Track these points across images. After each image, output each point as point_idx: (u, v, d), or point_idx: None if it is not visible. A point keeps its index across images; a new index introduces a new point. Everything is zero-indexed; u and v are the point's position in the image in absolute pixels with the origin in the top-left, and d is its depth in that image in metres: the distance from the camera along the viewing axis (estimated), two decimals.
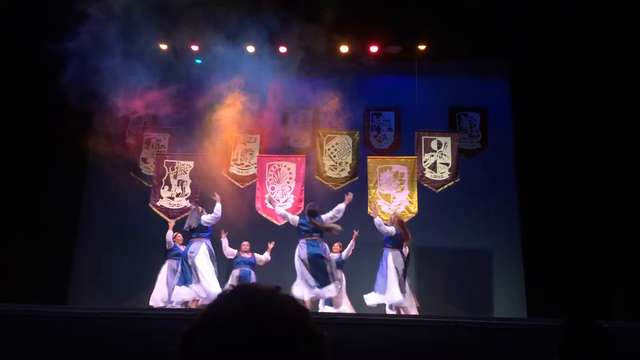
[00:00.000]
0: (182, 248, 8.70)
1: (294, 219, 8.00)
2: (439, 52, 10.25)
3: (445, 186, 9.50)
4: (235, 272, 8.78)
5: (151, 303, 8.55)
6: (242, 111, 9.41)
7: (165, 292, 8.54)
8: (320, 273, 7.56)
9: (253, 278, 8.70)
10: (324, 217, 7.81)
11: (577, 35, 9.09)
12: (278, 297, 0.93)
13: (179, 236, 8.89)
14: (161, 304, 8.42)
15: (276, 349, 0.85)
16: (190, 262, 7.93)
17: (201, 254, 7.95)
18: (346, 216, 9.20)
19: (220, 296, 0.94)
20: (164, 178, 9.59)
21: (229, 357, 0.85)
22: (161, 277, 8.73)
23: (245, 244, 8.93)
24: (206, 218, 8.18)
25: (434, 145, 9.70)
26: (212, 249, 8.15)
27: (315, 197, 9.14)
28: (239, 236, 8.92)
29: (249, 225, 8.97)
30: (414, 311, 8.03)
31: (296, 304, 0.94)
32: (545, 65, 9.68)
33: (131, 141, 10.13)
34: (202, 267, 7.88)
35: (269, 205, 9.16)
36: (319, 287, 7.53)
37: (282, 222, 9.14)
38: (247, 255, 8.90)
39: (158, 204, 9.45)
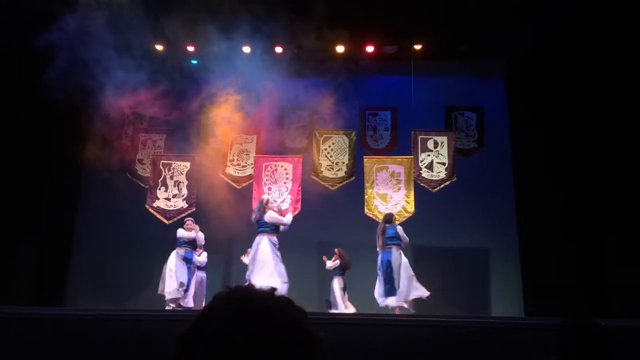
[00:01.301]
0: (192, 235, 8.62)
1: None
2: (435, 52, 10.26)
3: (442, 185, 9.50)
4: (180, 252, 8.54)
5: (168, 297, 8.32)
6: (238, 112, 9.41)
7: (175, 281, 8.34)
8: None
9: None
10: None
11: (574, 34, 9.10)
12: (274, 298, 0.92)
13: (189, 222, 8.73)
14: (177, 295, 8.29)
15: (272, 350, 0.85)
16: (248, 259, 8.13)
17: (259, 250, 8.05)
18: (343, 217, 9.21)
19: (216, 297, 0.94)
20: (160, 179, 9.57)
21: (226, 358, 0.85)
22: (169, 267, 8.44)
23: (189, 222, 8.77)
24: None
25: (430, 144, 9.71)
26: (275, 243, 8.17)
27: (312, 197, 9.15)
28: (237, 237, 8.91)
29: (248, 225, 8.94)
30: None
31: (292, 305, 0.93)
32: (542, 64, 9.70)
33: (127, 142, 10.11)
34: (258, 262, 7.98)
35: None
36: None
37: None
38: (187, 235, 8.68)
39: (155, 205, 9.43)
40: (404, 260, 8.25)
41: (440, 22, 9.35)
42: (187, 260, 8.50)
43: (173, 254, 8.54)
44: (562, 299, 8.56)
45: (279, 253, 8.16)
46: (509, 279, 9.73)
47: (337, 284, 8.60)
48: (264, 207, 8.42)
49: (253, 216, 8.44)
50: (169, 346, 0.91)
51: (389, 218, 8.55)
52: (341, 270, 8.72)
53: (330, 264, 8.75)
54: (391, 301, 8.05)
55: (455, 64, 10.60)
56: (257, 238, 8.25)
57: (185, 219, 8.85)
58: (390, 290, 8.09)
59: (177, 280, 8.31)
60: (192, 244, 8.63)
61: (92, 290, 10.05)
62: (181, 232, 8.61)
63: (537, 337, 5.01)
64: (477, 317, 7.91)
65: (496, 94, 10.52)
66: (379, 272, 8.27)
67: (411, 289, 8.13)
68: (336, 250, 8.86)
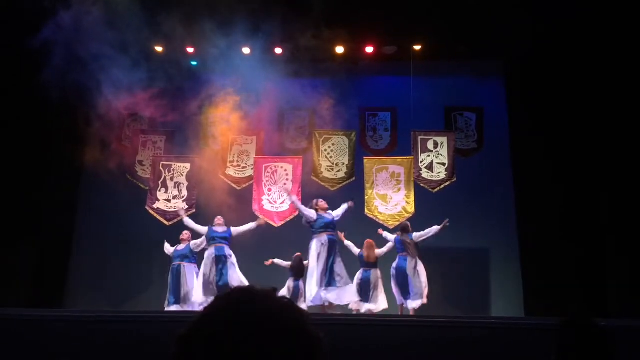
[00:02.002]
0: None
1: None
2: (434, 52, 10.26)
3: (442, 186, 9.50)
4: (209, 251, 8.37)
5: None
6: (238, 113, 9.41)
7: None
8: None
9: (228, 252, 8.39)
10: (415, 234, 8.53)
11: (573, 34, 9.11)
12: (274, 299, 0.93)
13: (186, 234, 8.76)
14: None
15: (272, 351, 0.85)
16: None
17: (311, 252, 8.01)
18: (343, 218, 9.19)
19: (216, 298, 0.94)
20: (161, 180, 9.57)
21: (226, 359, 0.85)
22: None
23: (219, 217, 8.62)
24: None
25: (430, 145, 9.71)
26: (324, 243, 7.99)
27: (312, 198, 9.14)
28: (236, 238, 8.88)
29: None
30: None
31: (293, 305, 0.93)
32: (541, 64, 9.70)
33: (127, 144, 10.11)
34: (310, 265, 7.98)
35: (266, 207, 9.21)
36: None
37: (280, 223, 9.14)
38: (221, 230, 8.50)
39: (155, 206, 9.42)
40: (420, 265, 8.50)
41: (439, 23, 9.35)
42: (219, 259, 8.26)
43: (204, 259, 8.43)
44: (562, 299, 8.56)
45: (324, 254, 7.94)
46: (509, 279, 9.73)
47: (286, 286, 8.64)
48: (315, 208, 8.29)
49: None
50: (169, 347, 0.91)
51: (405, 226, 8.68)
52: (292, 273, 8.76)
53: (280, 262, 8.85)
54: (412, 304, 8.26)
55: (455, 64, 10.61)
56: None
57: (217, 217, 8.61)
58: (406, 294, 8.32)
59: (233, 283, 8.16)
60: (225, 239, 8.42)
61: (92, 291, 10.06)
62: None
63: (537, 337, 5.01)
64: (477, 317, 7.91)
65: (496, 95, 10.52)
66: (397, 278, 8.46)
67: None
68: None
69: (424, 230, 8.57)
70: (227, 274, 8.15)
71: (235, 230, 8.54)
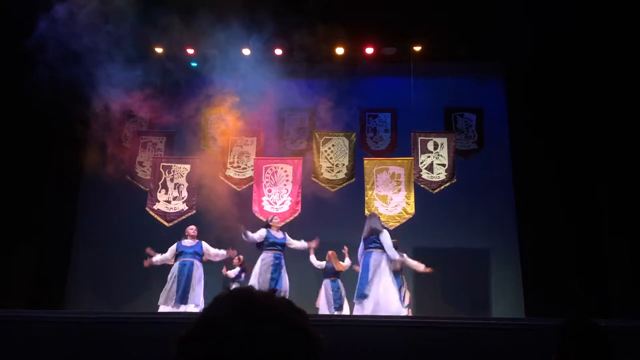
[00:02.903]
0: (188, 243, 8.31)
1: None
2: (434, 53, 10.27)
3: (442, 187, 9.50)
4: (267, 257, 7.94)
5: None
6: (238, 114, 9.42)
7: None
8: None
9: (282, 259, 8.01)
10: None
11: (573, 35, 9.12)
12: (274, 300, 0.93)
13: (192, 229, 8.41)
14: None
15: (273, 352, 0.85)
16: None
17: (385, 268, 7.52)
18: (344, 219, 9.24)
19: (216, 299, 0.95)
20: (161, 182, 9.57)
21: None
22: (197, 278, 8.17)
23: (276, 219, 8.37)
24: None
25: (430, 146, 9.71)
26: (379, 259, 7.45)
27: (312, 199, 9.15)
28: (238, 239, 8.89)
29: (248, 228, 8.93)
30: None
31: (293, 306, 0.94)
32: (541, 65, 9.71)
33: (127, 145, 10.12)
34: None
35: (266, 208, 9.21)
36: None
37: (280, 225, 9.15)
38: (279, 235, 8.17)
39: (155, 207, 9.42)
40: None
41: (439, 24, 9.36)
42: (276, 266, 7.87)
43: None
44: (562, 299, 8.56)
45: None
46: (509, 279, 9.74)
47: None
48: (370, 220, 7.88)
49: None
50: (170, 348, 0.91)
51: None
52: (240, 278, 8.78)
53: (231, 273, 8.82)
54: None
55: (455, 65, 10.61)
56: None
57: (275, 218, 8.42)
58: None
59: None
60: (283, 245, 8.10)
61: (92, 292, 10.07)
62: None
63: (537, 337, 5.01)
64: (477, 318, 7.91)
65: (496, 95, 10.53)
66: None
67: None
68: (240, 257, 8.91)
69: (412, 259, 8.46)
70: (281, 281, 7.82)
71: (288, 240, 8.26)
